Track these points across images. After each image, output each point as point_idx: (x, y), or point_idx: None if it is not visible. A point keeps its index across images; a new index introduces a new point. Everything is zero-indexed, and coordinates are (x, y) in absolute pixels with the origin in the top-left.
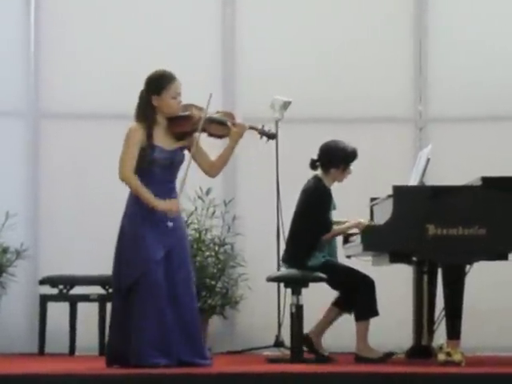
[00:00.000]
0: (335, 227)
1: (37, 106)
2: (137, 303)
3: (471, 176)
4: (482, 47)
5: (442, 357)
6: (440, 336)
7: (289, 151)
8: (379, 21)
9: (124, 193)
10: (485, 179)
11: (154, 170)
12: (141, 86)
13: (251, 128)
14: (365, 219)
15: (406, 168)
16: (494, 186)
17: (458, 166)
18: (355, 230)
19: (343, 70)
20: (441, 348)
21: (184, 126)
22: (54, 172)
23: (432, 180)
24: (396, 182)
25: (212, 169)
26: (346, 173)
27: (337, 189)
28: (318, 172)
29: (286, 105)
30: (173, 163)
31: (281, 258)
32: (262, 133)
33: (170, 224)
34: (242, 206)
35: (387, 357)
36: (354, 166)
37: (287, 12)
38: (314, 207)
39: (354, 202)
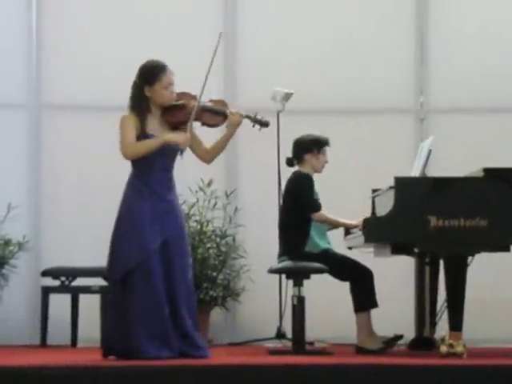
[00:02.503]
0: (326, 213)
1: (39, 97)
2: (134, 294)
3: (473, 167)
4: (483, 38)
5: (444, 348)
6: (442, 328)
7: (290, 143)
8: (381, 12)
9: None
10: (487, 170)
11: (150, 159)
12: None
13: (245, 117)
14: (355, 220)
15: (408, 159)
16: (495, 177)
17: (460, 157)
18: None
19: (345, 61)
20: (443, 340)
21: (178, 116)
22: (56, 164)
23: (434, 171)
24: (398, 173)
25: (207, 155)
26: (322, 159)
27: (338, 180)
28: (296, 167)
29: (287, 96)
30: (168, 152)
31: (277, 256)
32: (255, 121)
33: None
34: (243, 198)
35: (393, 341)
36: (353, 157)
37: (289, 3)
38: (298, 193)
39: (356, 194)
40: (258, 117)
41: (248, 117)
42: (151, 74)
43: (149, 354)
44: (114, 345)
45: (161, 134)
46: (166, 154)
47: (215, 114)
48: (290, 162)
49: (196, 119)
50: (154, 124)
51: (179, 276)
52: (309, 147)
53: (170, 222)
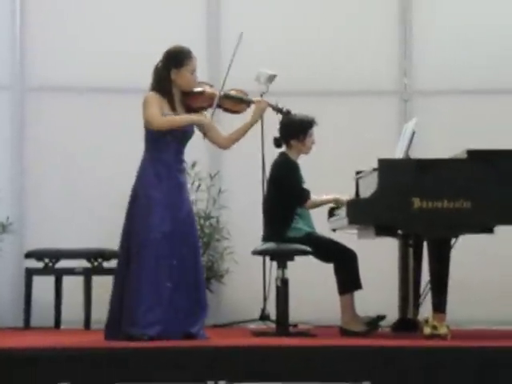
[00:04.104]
0: (314, 197)
1: (23, 79)
2: (136, 274)
3: (456, 149)
4: (467, 19)
5: (427, 330)
6: (426, 309)
7: (273, 124)
8: None
9: (110, 168)
10: (470, 152)
11: (168, 139)
12: (127, 59)
13: (270, 105)
14: (344, 195)
15: (391, 141)
16: (479, 158)
17: (444, 138)
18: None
19: (328, 43)
20: (426, 321)
21: (199, 101)
22: (40, 146)
23: (417, 153)
24: (381, 154)
25: (226, 141)
26: (309, 143)
27: (322, 161)
28: (283, 148)
29: (271, 78)
30: (185, 134)
31: (260, 238)
32: (277, 110)
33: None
34: (227, 180)
35: (376, 322)
36: (336, 139)
37: None
38: (284, 180)
39: (340, 175)
40: (280, 106)
41: (270, 105)
42: (179, 58)
43: (140, 327)
44: (117, 325)
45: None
46: (181, 138)
47: (237, 102)
48: (277, 143)
49: (218, 106)
50: (175, 106)
51: (187, 260)
52: (294, 132)
53: (182, 203)
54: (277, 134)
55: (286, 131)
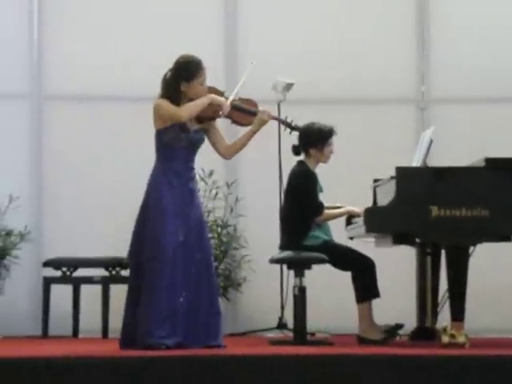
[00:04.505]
0: (328, 211)
1: (40, 88)
2: (150, 285)
3: (474, 157)
4: (485, 28)
5: (445, 339)
6: (444, 318)
7: (291, 133)
8: (382, 2)
9: (128, 176)
10: (488, 160)
11: (177, 147)
12: (143, 68)
13: (274, 119)
14: (358, 207)
15: (409, 149)
16: (497, 167)
17: (461, 147)
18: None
19: (345, 50)
20: (445, 330)
21: (207, 111)
22: (58, 154)
23: (435, 161)
24: (399, 163)
25: (227, 151)
26: (327, 152)
27: (338, 170)
28: (302, 157)
29: (288, 86)
30: (195, 143)
31: (278, 246)
32: (284, 123)
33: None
34: (244, 188)
35: (394, 330)
36: (354, 147)
37: None
38: (301, 191)
39: (356, 184)
40: (288, 120)
41: (275, 118)
42: (190, 71)
43: (157, 337)
44: (132, 334)
45: (189, 125)
46: (191, 146)
47: (246, 114)
48: (296, 151)
49: (227, 117)
50: None
51: (200, 267)
52: (313, 141)
53: (193, 211)
54: (295, 142)
55: (305, 140)
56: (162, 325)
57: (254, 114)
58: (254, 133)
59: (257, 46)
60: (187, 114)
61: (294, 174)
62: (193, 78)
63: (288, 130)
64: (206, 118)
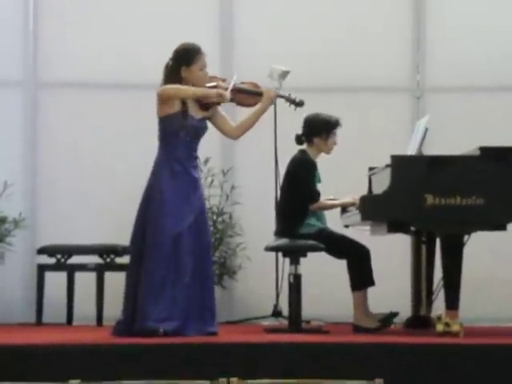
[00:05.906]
0: (323, 201)
1: (35, 75)
2: (150, 271)
3: (469, 146)
4: (480, 17)
5: (440, 327)
6: (438, 306)
7: (287, 121)
8: None
9: (122, 163)
10: (483, 149)
11: (181, 135)
12: (139, 56)
13: (279, 96)
14: (353, 195)
15: (404, 137)
16: (491, 155)
17: (456, 135)
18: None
19: (341, 39)
20: (439, 318)
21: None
22: (52, 141)
23: (430, 150)
24: (394, 151)
25: (236, 131)
26: (331, 143)
27: (335, 159)
28: (304, 146)
29: (284, 74)
30: (198, 131)
31: (273, 233)
32: (289, 100)
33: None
34: (240, 176)
35: (389, 318)
36: (349, 135)
37: None
38: (299, 178)
39: (351, 172)
40: (292, 96)
41: (283, 96)
42: (188, 55)
43: (155, 320)
44: (129, 325)
45: (194, 114)
46: (193, 134)
47: (250, 95)
48: (299, 140)
49: (231, 100)
50: (188, 103)
51: (201, 252)
52: (318, 130)
53: (196, 200)
54: (294, 131)
55: (310, 128)
56: (159, 309)
57: (257, 94)
58: (262, 111)
59: (252, 33)
60: (192, 91)
61: (294, 162)
62: (192, 62)
63: (293, 106)
64: (210, 104)
